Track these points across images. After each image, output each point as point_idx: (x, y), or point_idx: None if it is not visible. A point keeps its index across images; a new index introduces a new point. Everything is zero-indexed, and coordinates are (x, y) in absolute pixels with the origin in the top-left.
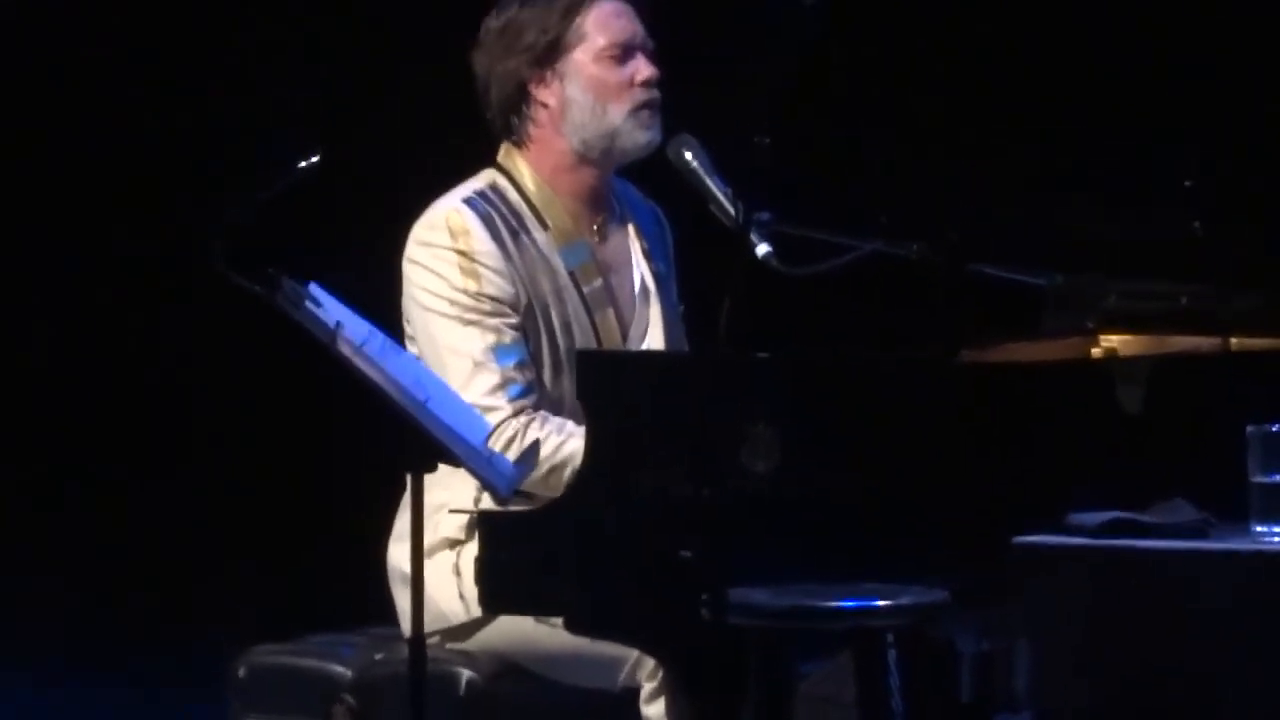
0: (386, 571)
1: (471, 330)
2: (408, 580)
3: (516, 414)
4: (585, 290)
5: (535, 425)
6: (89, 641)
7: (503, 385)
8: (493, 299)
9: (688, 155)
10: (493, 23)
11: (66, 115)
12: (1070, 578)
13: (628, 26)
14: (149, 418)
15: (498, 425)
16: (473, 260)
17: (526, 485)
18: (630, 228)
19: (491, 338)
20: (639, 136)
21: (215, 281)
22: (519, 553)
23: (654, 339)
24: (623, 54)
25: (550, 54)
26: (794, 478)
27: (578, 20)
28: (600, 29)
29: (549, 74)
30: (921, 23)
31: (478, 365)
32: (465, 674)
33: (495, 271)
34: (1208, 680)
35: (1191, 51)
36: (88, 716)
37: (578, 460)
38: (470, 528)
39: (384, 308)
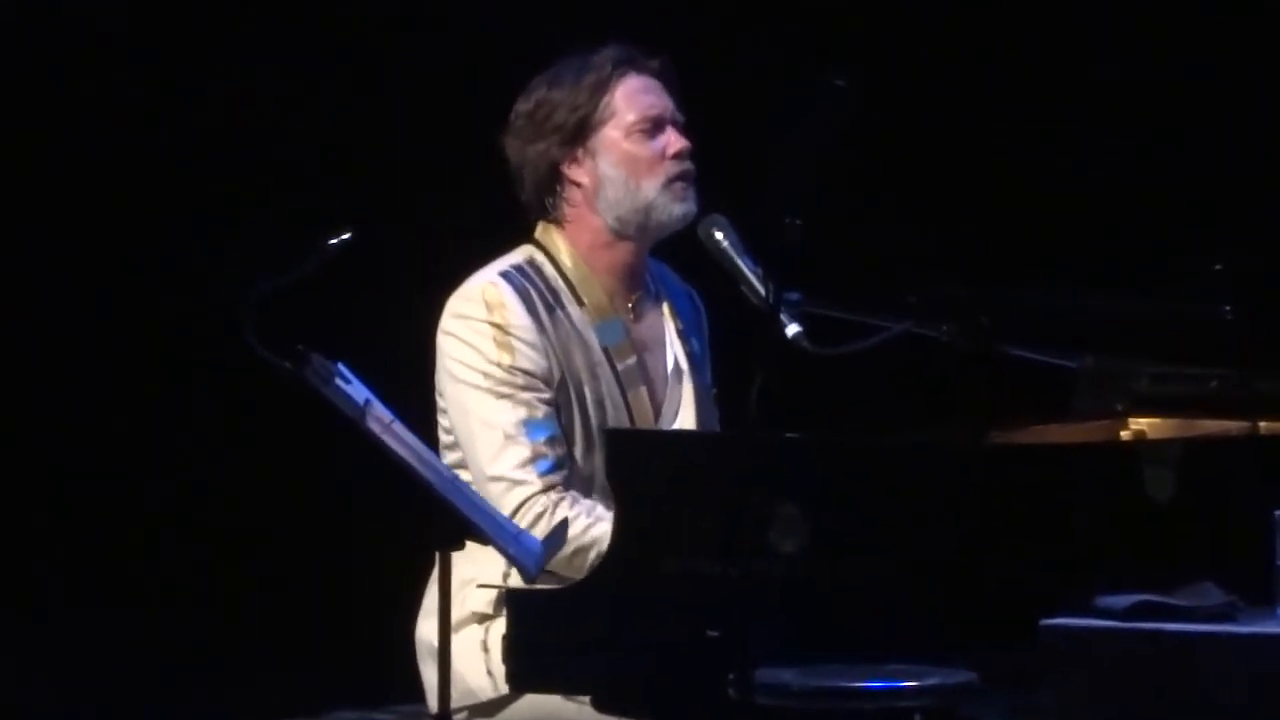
0: (414, 647)
1: (504, 403)
2: (435, 655)
3: (546, 490)
4: (619, 367)
5: (565, 504)
6: (114, 716)
7: (533, 459)
8: (526, 373)
9: (718, 235)
10: (522, 105)
11: (97, 185)
12: (1098, 660)
13: (656, 101)
14: (175, 489)
15: (526, 499)
16: (507, 334)
17: (552, 565)
18: (665, 307)
19: (523, 411)
20: (674, 210)
21: (246, 356)
22: (547, 631)
23: (686, 418)
24: (653, 128)
25: (580, 132)
26: (822, 558)
27: (606, 97)
28: (629, 104)
29: (580, 152)
30: (956, 105)
31: (508, 438)
32: None
33: (529, 346)
34: None
35: (1223, 137)
36: None
37: (604, 544)
38: (498, 603)
39: (416, 382)
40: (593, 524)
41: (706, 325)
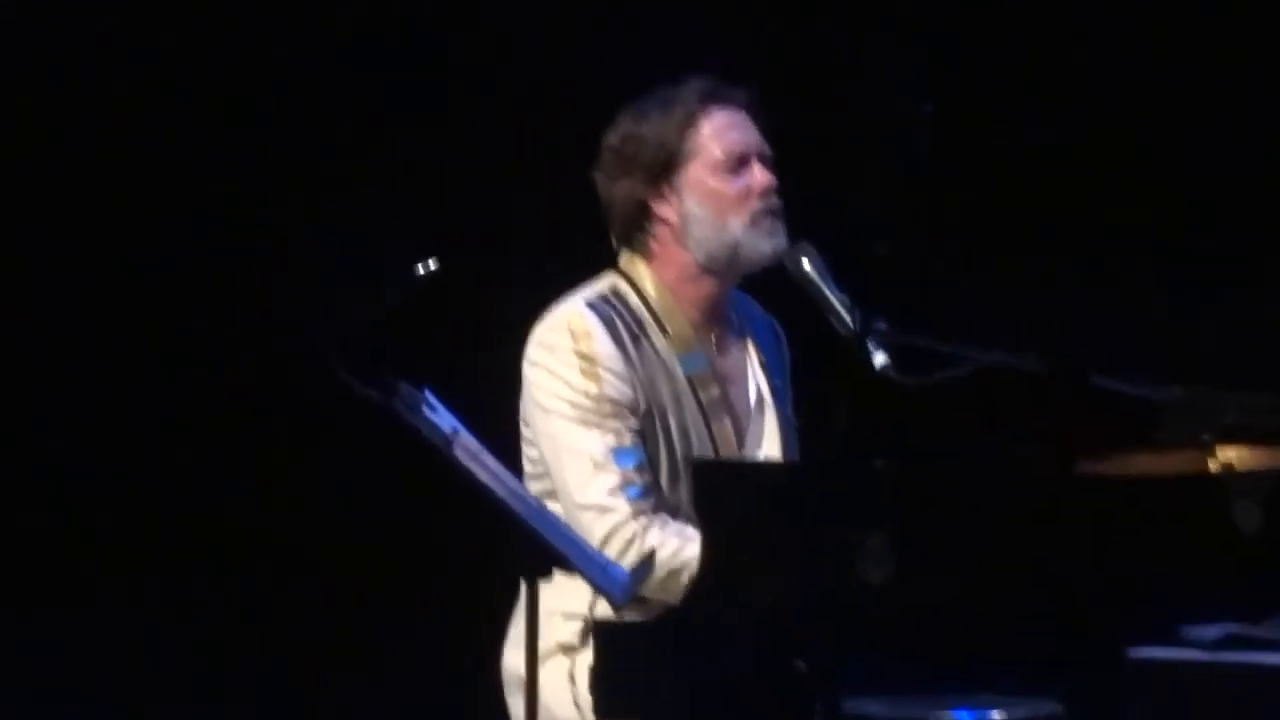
0: (501, 677)
1: (592, 431)
2: (522, 686)
3: (635, 515)
4: (703, 398)
5: (654, 529)
6: None
7: (622, 486)
8: (613, 402)
9: (805, 264)
10: (609, 140)
11: (184, 222)
12: (1185, 691)
13: (742, 137)
14: (262, 517)
15: (616, 526)
16: (594, 363)
17: (644, 591)
18: (748, 340)
19: (612, 439)
20: (762, 246)
21: (335, 385)
22: (634, 661)
23: (769, 450)
24: (739, 164)
25: (667, 170)
26: (908, 587)
27: (692, 133)
28: (715, 141)
29: (667, 189)
30: (1049, 133)
31: (598, 466)
32: None
33: (616, 375)
34: None
35: None
36: None
37: (695, 566)
38: (585, 633)
39: (501, 412)
40: (683, 546)
41: (788, 356)
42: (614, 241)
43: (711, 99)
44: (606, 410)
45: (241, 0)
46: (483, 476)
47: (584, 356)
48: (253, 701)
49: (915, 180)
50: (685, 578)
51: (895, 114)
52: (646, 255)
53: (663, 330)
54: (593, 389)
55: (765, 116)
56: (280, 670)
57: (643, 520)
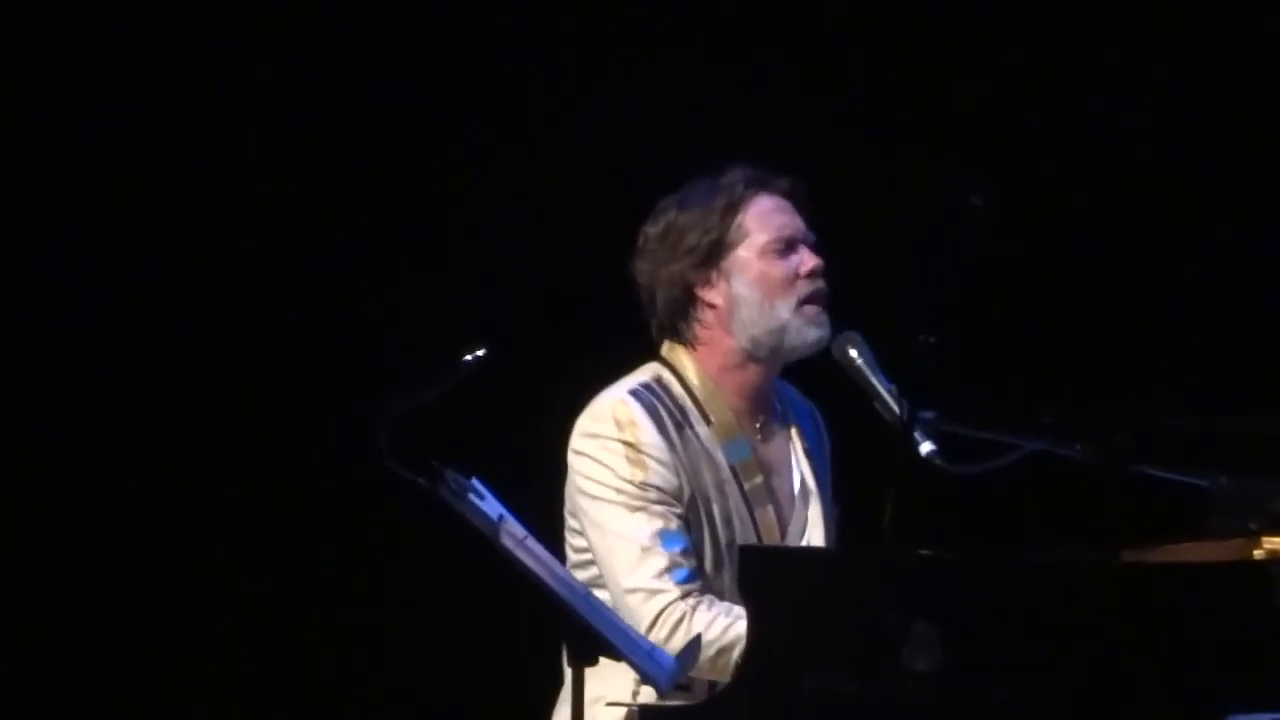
0: None
1: (639, 516)
2: None
3: (684, 597)
4: (746, 486)
5: (703, 608)
6: None
7: (670, 569)
8: (658, 489)
9: (853, 352)
10: (652, 229)
11: (234, 304)
12: None
13: (789, 221)
14: (309, 602)
15: (665, 608)
16: (639, 451)
17: (694, 672)
18: (792, 428)
19: (659, 523)
20: (809, 334)
21: (382, 473)
22: None
23: (814, 538)
24: (786, 248)
25: (714, 254)
26: (955, 677)
27: (738, 218)
28: (762, 225)
29: (714, 274)
30: (1088, 224)
31: (645, 550)
32: None
33: (660, 463)
34: None
35: None
36: None
37: (744, 643)
38: None
39: (547, 500)
40: (732, 623)
41: (828, 444)
42: (655, 332)
43: (756, 185)
44: (652, 496)
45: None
46: (529, 563)
47: (629, 444)
48: None
49: (968, 272)
50: (736, 654)
51: (950, 205)
52: (690, 343)
53: (706, 419)
54: (639, 476)
55: (808, 205)
56: None
57: (691, 601)
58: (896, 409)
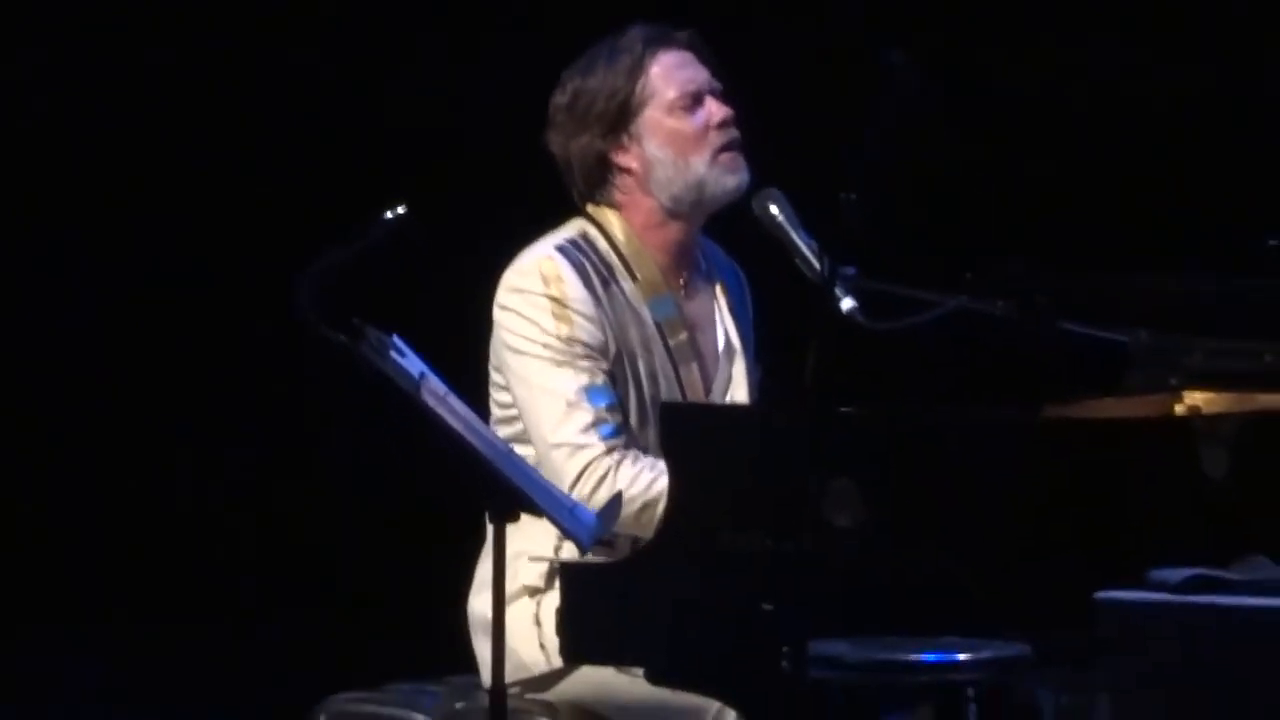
0: (468, 621)
1: (565, 370)
2: (489, 629)
3: (609, 452)
4: (671, 343)
5: (628, 463)
6: (167, 688)
7: (595, 424)
8: (584, 344)
9: (773, 209)
10: (560, 99)
11: (166, 165)
12: (1151, 633)
13: (693, 75)
14: (224, 467)
15: (590, 463)
16: (565, 306)
17: (618, 527)
18: (716, 286)
19: (585, 378)
20: (727, 182)
21: (300, 332)
22: (601, 604)
23: (737, 396)
24: (693, 102)
25: (623, 119)
26: (876, 532)
27: (642, 79)
28: (666, 82)
29: (625, 139)
30: (1012, 87)
31: (571, 405)
32: None
33: (586, 318)
34: None
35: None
36: None
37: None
38: (550, 575)
39: (468, 357)
40: (656, 478)
41: (751, 303)
42: (576, 198)
43: (656, 43)
44: (578, 351)
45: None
46: (450, 420)
47: (555, 300)
48: (215, 640)
49: (889, 128)
50: (660, 509)
51: (874, 64)
52: (613, 205)
53: (631, 276)
54: (565, 331)
55: (711, 54)
56: (243, 609)
57: (616, 456)
58: (817, 265)
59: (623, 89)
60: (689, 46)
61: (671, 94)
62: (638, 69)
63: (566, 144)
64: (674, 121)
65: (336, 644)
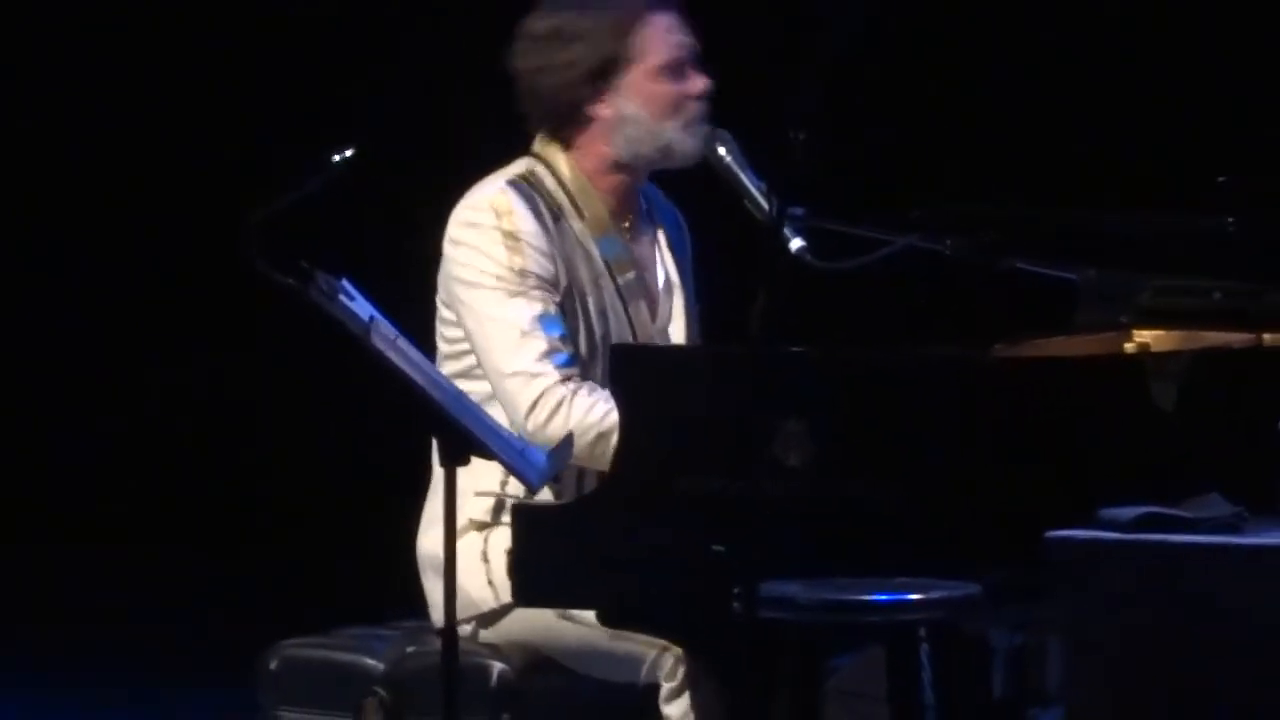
0: (417, 560)
1: (519, 301)
2: (439, 568)
3: (564, 380)
4: (620, 281)
5: (583, 393)
6: (117, 633)
7: (550, 353)
8: (537, 275)
9: (721, 150)
10: (537, 26)
11: (107, 116)
12: (1103, 572)
13: (682, 40)
14: (178, 408)
15: (545, 391)
16: (517, 239)
17: (575, 457)
18: (657, 227)
19: (539, 308)
20: (689, 147)
21: (249, 276)
22: (552, 545)
23: (677, 333)
24: (678, 69)
25: (604, 72)
26: (826, 473)
27: (631, 37)
28: (656, 45)
29: (606, 92)
30: (961, 23)
31: (525, 334)
32: (497, 667)
33: (539, 251)
34: (1240, 674)
35: (1226, 54)
36: (117, 711)
37: None
38: (496, 510)
39: (416, 299)
40: (611, 409)
41: (689, 245)
42: (530, 123)
43: (654, 1)
44: (531, 283)
45: None
46: (400, 363)
47: (508, 233)
48: (164, 585)
49: (837, 67)
50: (614, 440)
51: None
52: (566, 145)
53: (579, 214)
54: (517, 262)
55: (687, 13)
56: (193, 561)
57: (571, 385)
58: (766, 206)
59: (611, 44)
60: (677, 7)
61: (660, 58)
62: (628, 26)
63: (536, 75)
64: (656, 86)
65: (286, 588)
